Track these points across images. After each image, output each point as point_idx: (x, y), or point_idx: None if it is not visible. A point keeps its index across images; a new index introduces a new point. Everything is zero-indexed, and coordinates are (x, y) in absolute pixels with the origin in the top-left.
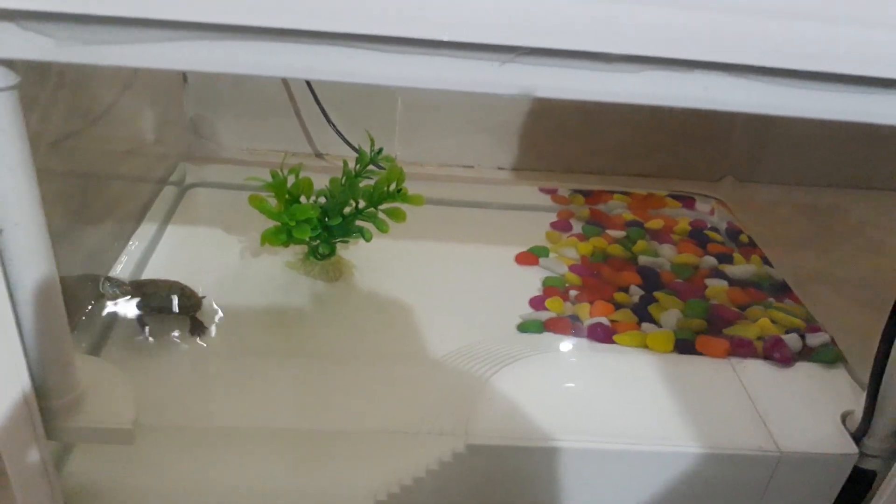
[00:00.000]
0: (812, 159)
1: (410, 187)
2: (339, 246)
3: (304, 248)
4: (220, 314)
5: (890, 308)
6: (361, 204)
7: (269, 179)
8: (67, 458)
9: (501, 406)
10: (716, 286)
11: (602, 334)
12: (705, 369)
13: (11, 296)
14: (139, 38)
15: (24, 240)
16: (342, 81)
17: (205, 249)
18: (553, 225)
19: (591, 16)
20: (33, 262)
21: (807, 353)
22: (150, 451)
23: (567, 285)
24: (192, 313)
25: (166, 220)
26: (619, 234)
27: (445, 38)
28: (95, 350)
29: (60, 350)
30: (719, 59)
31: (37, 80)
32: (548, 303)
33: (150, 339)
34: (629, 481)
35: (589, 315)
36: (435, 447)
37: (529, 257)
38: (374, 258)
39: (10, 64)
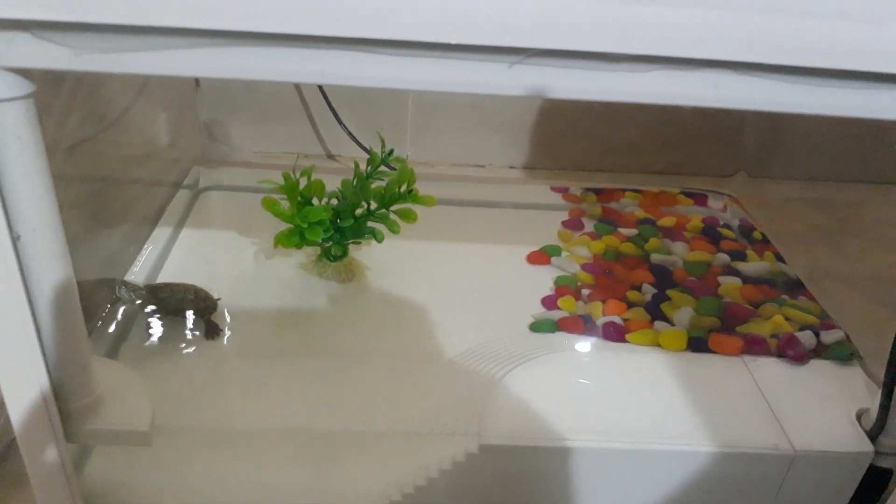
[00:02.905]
0: (825, 154)
1: (422, 187)
2: (351, 247)
3: (317, 249)
4: (235, 316)
5: None
6: (373, 205)
7: (282, 182)
8: (86, 460)
9: (514, 406)
10: (729, 284)
11: (615, 333)
12: (718, 368)
13: (30, 300)
14: (153, 45)
15: (41, 245)
16: (353, 86)
17: (219, 252)
18: (565, 224)
19: (599, 16)
20: (51, 267)
21: (821, 351)
22: (167, 452)
23: (579, 284)
24: (207, 316)
25: (181, 223)
26: (632, 232)
27: (454, 42)
28: (112, 353)
29: (78, 353)
30: (728, 57)
31: (53, 87)
32: (560, 302)
33: (166, 341)
34: (642, 481)
35: (601, 314)
36: (448, 447)
37: (541, 256)
38: (386, 259)
39: (26, 73)
